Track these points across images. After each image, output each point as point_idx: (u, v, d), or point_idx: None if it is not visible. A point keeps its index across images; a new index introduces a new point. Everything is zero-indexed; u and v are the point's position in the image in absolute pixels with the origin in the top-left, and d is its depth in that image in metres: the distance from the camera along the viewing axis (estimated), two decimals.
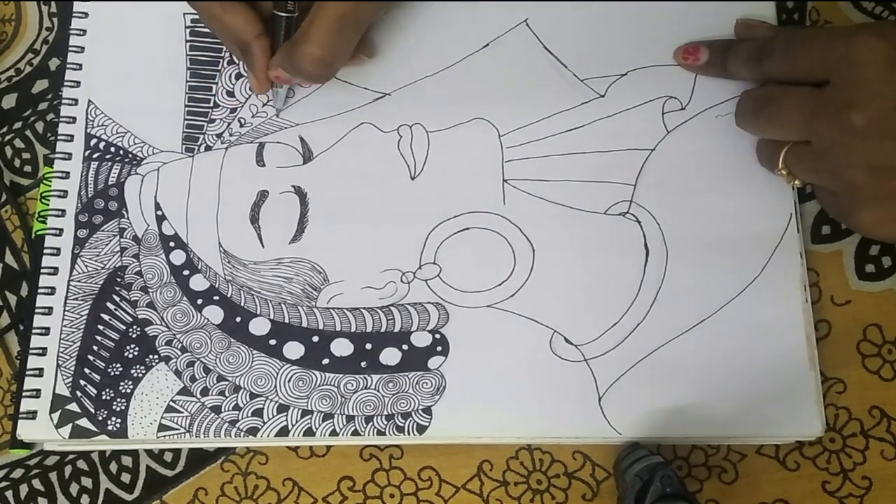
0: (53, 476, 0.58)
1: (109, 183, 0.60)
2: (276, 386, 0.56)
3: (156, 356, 0.56)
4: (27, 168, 0.62)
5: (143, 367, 0.56)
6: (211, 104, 0.61)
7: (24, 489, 0.57)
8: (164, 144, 0.61)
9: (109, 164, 0.60)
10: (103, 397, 0.56)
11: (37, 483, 0.57)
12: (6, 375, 0.59)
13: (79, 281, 0.58)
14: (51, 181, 0.60)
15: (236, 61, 0.62)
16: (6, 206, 0.62)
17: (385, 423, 0.55)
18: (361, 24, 0.56)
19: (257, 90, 0.60)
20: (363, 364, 0.56)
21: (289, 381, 0.56)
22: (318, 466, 0.57)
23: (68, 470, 0.58)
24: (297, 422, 0.55)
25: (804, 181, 0.56)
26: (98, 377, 0.56)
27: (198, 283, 0.58)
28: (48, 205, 0.59)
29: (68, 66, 0.62)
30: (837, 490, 0.56)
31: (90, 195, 0.59)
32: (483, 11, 0.62)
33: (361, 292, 0.58)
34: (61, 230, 0.59)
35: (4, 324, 0.60)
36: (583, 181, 0.59)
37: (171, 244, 0.59)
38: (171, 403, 0.55)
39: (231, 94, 0.61)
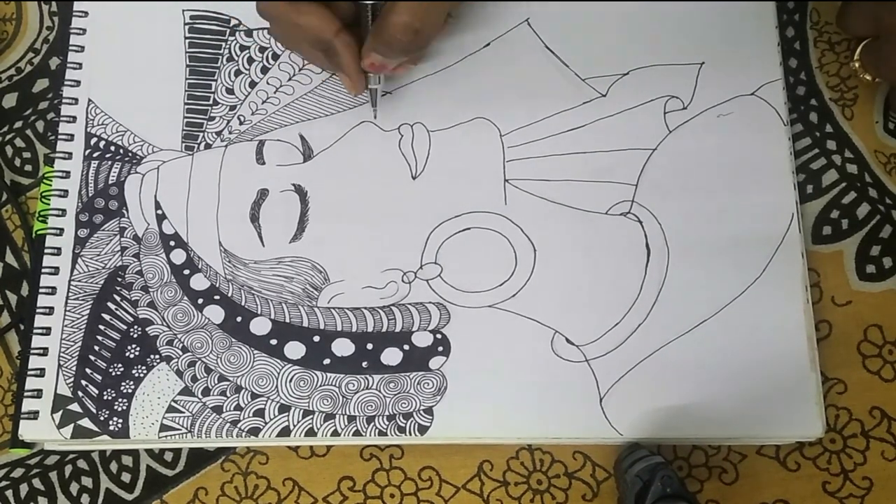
0: (54, 475, 0.58)
1: (110, 182, 0.60)
2: (277, 386, 0.56)
3: (157, 356, 0.56)
4: (28, 167, 0.62)
5: (144, 367, 0.56)
6: (210, 102, 0.61)
7: (24, 488, 0.57)
8: (163, 143, 0.60)
9: (109, 162, 0.60)
10: (105, 397, 0.56)
11: (37, 482, 0.57)
12: (6, 375, 0.59)
13: (79, 280, 0.58)
14: (51, 180, 0.59)
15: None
16: (7, 206, 0.62)
17: (387, 423, 0.55)
18: None
19: (353, 90, 0.59)
20: (364, 364, 0.56)
21: (290, 381, 0.56)
22: (319, 466, 0.57)
23: (68, 469, 0.58)
24: (298, 422, 0.55)
25: (873, 75, 0.60)
26: (99, 377, 0.56)
27: (198, 282, 0.58)
28: (49, 204, 0.59)
29: (68, 65, 0.61)
30: (838, 491, 0.56)
31: (90, 194, 0.59)
32: (485, 11, 0.62)
33: (362, 292, 0.58)
34: (62, 230, 0.59)
35: (5, 323, 0.60)
36: (584, 181, 0.59)
37: (172, 243, 0.58)
38: (173, 403, 0.55)
39: (230, 91, 0.61)
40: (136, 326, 0.57)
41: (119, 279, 0.58)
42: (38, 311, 0.57)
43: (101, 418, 0.55)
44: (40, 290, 0.58)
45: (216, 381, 0.56)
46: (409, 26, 0.53)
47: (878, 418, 0.57)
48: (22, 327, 0.59)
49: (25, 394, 0.56)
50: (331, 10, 0.54)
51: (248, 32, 0.62)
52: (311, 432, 0.55)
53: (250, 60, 0.62)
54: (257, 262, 0.58)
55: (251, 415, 0.55)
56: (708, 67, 0.61)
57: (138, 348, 0.56)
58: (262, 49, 0.62)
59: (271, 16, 0.55)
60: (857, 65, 0.60)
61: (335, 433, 0.55)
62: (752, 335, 0.56)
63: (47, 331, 0.57)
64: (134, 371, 0.56)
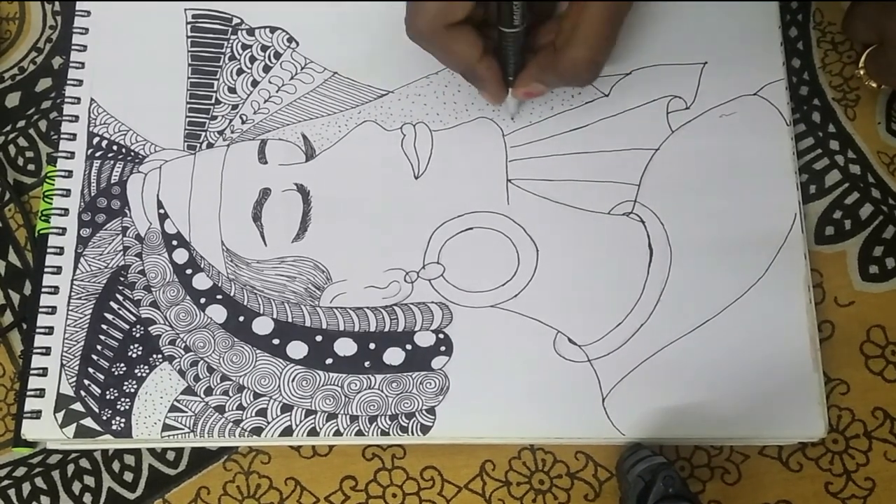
0: (56, 474, 0.58)
1: (112, 181, 0.60)
2: (279, 386, 0.56)
3: (159, 356, 0.56)
4: (30, 166, 0.62)
5: (146, 367, 0.56)
6: (213, 101, 0.61)
7: (26, 487, 0.57)
8: (166, 142, 0.60)
9: (112, 162, 0.60)
10: (107, 397, 0.56)
11: (39, 481, 0.57)
12: (9, 374, 0.59)
13: (82, 280, 0.58)
14: (54, 179, 0.60)
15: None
16: (9, 205, 0.62)
17: (389, 423, 0.55)
18: (624, 18, 0.53)
19: (495, 103, 0.59)
20: (367, 364, 0.56)
21: (292, 380, 0.56)
22: (321, 466, 0.57)
23: (71, 468, 0.58)
24: (300, 422, 0.55)
25: (879, 83, 0.60)
26: (102, 377, 0.56)
27: (201, 281, 0.58)
28: (51, 203, 0.59)
29: (71, 64, 0.61)
30: (840, 491, 0.56)
31: (93, 194, 0.59)
32: None
33: (365, 291, 0.57)
34: (64, 229, 0.59)
35: (7, 322, 0.60)
36: (587, 181, 0.59)
37: (174, 243, 0.58)
38: (176, 403, 0.55)
39: (233, 90, 0.61)
40: (138, 326, 0.57)
41: (121, 278, 0.58)
42: (40, 310, 0.57)
43: (104, 418, 0.55)
44: (43, 290, 0.58)
45: (218, 381, 0.56)
46: (591, 62, 0.51)
47: (880, 419, 0.57)
48: (24, 326, 0.59)
49: (28, 393, 0.56)
50: (475, 34, 0.53)
51: (251, 31, 0.62)
52: (313, 432, 0.55)
53: (252, 59, 0.62)
54: (260, 262, 0.58)
55: (253, 414, 0.55)
56: (711, 67, 0.61)
57: (141, 348, 0.57)
58: (264, 48, 0.62)
59: (425, 39, 0.53)
60: (861, 72, 0.60)
61: (337, 433, 0.55)
62: (754, 335, 0.56)
63: (50, 330, 0.57)
64: (136, 370, 0.56)
